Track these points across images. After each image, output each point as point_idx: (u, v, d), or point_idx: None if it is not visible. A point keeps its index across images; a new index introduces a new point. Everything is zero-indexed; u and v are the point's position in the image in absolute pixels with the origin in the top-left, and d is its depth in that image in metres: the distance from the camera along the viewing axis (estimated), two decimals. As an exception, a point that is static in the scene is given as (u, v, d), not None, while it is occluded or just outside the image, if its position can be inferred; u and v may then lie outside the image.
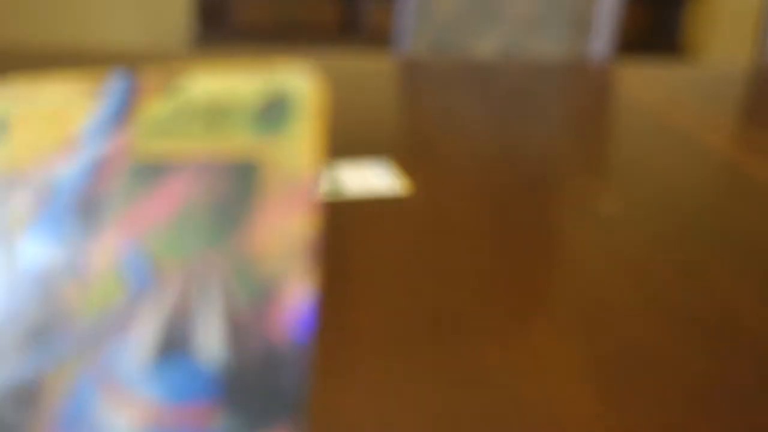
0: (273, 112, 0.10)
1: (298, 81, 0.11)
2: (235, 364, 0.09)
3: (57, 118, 0.11)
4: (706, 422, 0.25)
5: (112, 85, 0.11)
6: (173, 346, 0.09)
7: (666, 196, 0.43)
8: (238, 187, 0.10)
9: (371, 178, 0.43)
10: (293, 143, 0.10)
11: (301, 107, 0.10)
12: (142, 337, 0.10)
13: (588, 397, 0.25)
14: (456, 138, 0.53)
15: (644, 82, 0.69)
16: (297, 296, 0.09)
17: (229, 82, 0.11)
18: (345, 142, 0.50)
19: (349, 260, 0.35)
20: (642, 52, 2.41)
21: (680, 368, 0.27)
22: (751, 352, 0.29)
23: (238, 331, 0.09)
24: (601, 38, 0.95)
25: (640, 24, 2.45)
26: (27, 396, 0.09)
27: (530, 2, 0.97)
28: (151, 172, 0.10)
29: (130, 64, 0.72)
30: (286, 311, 0.09)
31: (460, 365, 0.27)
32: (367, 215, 0.40)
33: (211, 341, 0.09)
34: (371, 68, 0.73)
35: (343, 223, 0.39)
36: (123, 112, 0.11)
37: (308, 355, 0.09)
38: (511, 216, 0.40)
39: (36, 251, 0.10)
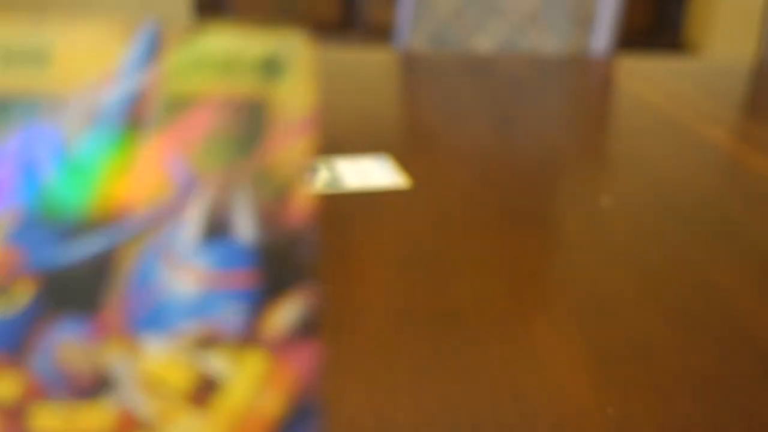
0: (272, 64, 0.14)
1: (292, 41, 0.14)
2: (263, 242, 0.14)
3: (96, 53, 0.13)
4: (703, 414, 0.24)
5: (143, 30, 0.14)
6: (216, 229, 0.13)
7: (666, 189, 0.41)
8: (251, 118, 0.14)
9: (370, 172, 0.41)
10: (290, 87, 0.14)
11: (295, 60, 0.14)
12: (192, 221, 0.13)
13: (586, 389, 0.24)
14: (455, 132, 0.50)
15: (645, 76, 0.66)
16: (302, 195, 0.14)
17: (237, 39, 0.14)
18: (345, 135, 0.47)
19: (348, 254, 0.33)
20: (644, 48, 2.31)
21: (678, 361, 0.26)
22: (749, 344, 0.27)
23: (263, 218, 0.14)
24: (602, 34, 0.92)
25: (642, 21, 2.31)
26: (101, 265, 0.13)
27: None
28: (180, 104, 0.14)
29: None
30: (296, 205, 0.14)
31: (458, 358, 0.26)
32: (366, 208, 0.37)
33: (244, 226, 0.14)
34: (371, 62, 0.68)
35: (343, 216, 0.36)
36: (153, 54, 0.14)
37: (313, 236, 0.14)
38: (511, 209, 0.38)
39: (92, 158, 0.13)
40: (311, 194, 0.14)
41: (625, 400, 0.24)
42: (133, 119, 0.13)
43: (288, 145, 0.14)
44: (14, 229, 0.13)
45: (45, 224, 0.13)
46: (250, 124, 0.14)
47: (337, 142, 0.48)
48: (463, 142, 0.48)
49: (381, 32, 2.39)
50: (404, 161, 0.44)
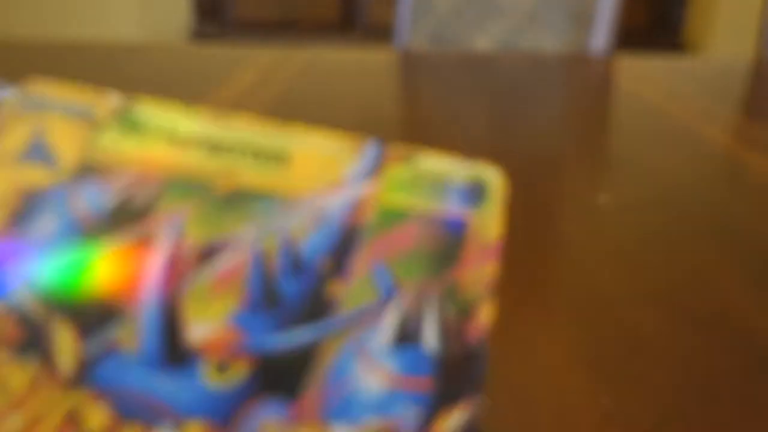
0: (475, 191, 0.16)
1: (492, 172, 0.16)
2: (444, 354, 0.15)
3: (328, 162, 0.15)
4: (700, 409, 0.24)
5: (369, 148, 0.16)
6: (405, 335, 0.15)
7: (663, 188, 0.41)
8: (451, 238, 0.15)
9: None
10: (487, 215, 0.16)
11: (493, 191, 0.16)
12: (387, 327, 0.15)
13: (583, 385, 0.24)
14: (454, 130, 0.51)
15: (643, 75, 0.66)
16: (484, 315, 0.15)
17: (447, 164, 0.16)
18: (344, 133, 0.49)
19: None
20: (644, 48, 2.34)
21: (674, 357, 0.26)
22: (744, 340, 0.28)
23: (447, 331, 0.15)
24: (601, 33, 0.92)
25: (642, 20, 2.35)
26: (307, 356, 0.14)
27: None
28: (392, 216, 0.15)
29: (128, 58, 0.67)
30: (477, 324, 0.15)
31: None
32: None
33: (430, 336, 0.15)
34: (370, 62, 0.69)
35: None
36: (375, 169, 0.16)
37: (487, 353, 0.15)
38: (510, 208, 0.38)
39: (313, 257, 0.15)
40: (490, 314, 0.15)
41: (620, 394, 0.24)
42: (351, 225, 0.15)
43: (477, 267, 0.15)
44: (240, 312, 0.14)
45: (266, 312, 0.14)
46: (449, 243, 0.15)
47: None
48: (461, 141, 0.48)
49: (381, 32, 2.40)
50: None
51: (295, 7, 2.40)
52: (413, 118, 0.53)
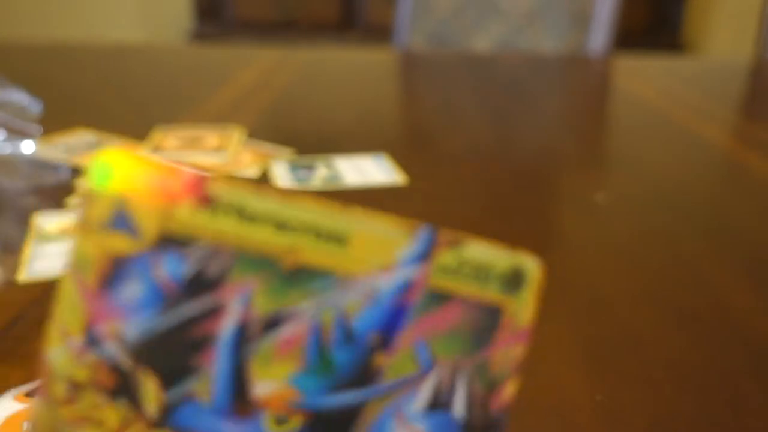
0: (515, 279, 0.17)
1: (531, 261, 0.17)
2: (470, 421, 0.17)
3: (383, 244, 0.17)
4: (694, 407, 0.23)
5: (422, 232, 0.17)
6: (438, 402, 0.17)
7: (662, 188, 0.41)
8: (488, 321, 0.17)
9: (369, 170, 0.41)
10: (523, 301, 0.17)
11: (531, 279, 0.17)
12: (423, 394, 0.17)
13: (578, 380, 0.24)
14: (453, 130, 0.50)
15: (642, 75, 0.66)
16: (508, 391, 0.17)
17: (491, 251, 0.17)
18: (344, 134, 0.49)
19: None
20: (642, 48, 2.25)
21: (669, 354, 0.26)
22: (739, 339, 0.27)
23: (474, 402, 0.17)
24: (600, 33, 0.91)
25: (641, 20, 2.26)
26: (353, 414, 0.17)
27: None
28: (438, 298, 0.17)
29: (129, 58, 0.63)
30: (502, 397, 0.17)
31: None
32: (364, 205, 0.37)
33: (459, 405, 0.17)
34: (370, 62, 0.67)
35: None
36: (426, 253, 0.17)
37: (508, 422, 0.17)
38: (507, 207, 0.38)
39: (364, 332, 0.17)
40: (514, 389, 0.17)
41: (616, 391, 0.24)
42: (400, 305, 0.17)
43: (507, 348, 0.17)
44: (298, 374, 0.17)
45: (320, 376, 0.17)
46: (485, 326, 0.17)
47: (336, 140, 0.48)
48: (460, 141, 0.48)
49: (380, 32, 2.34)
50: (402, 159, 0.44)
51: (294, 7, 2.28)
52: (412, 117, 0.52)
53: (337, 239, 0.17)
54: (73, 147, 0.61)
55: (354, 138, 0.48)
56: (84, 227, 0.16)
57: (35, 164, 0.58)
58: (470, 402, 0.17)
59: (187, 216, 0.16)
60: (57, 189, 0.52)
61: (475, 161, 0.43)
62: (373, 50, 0.73)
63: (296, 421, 0.17)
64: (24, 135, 0.61)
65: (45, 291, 0.37)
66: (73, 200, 0.51)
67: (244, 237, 0.16)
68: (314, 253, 0.17)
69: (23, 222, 0.47)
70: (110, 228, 0.16)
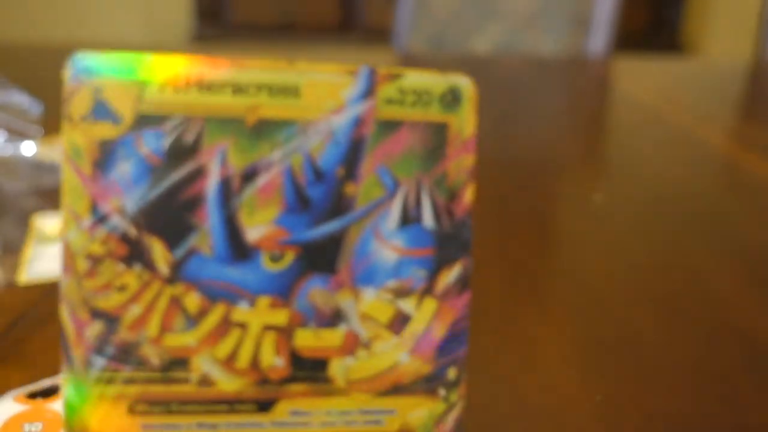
0: (453, 97, 0.20)
1: (465, 81, 0.20)
2: (439, 228, 0.20)
3: (330, 89, 0.19)
4: (691, 406, 0.23)
5: (363, 72, 0.19)
6: (409, 218, 0.20)
7: (660, 188, 0.41)
8: (436, 138, 0.20)
9: None
10: (463, 115, 0.20)
11: (467, 95, 0.20)
12: (394, 213, 0.20)
13: (575, 379, 0.24)
14: None
15: (641, 77, 0.65)
16: (468, 197, 0.20)
17: (427, 78, 0.19)
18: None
19: None
20: (641, 50, 2.22)
21: (665, 353, 0.26)
22: (735, 337, 0.27)
23: (440, 211, 0.20)
24: (599, 35, 0.91)
25: (640, 22, 2.22)
26: (337, 241, 0.19)
27: None
28: (388, 126, 0.19)
29: None
30: (462, 203, 0.20)
31: None
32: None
33: (427, 216, 0.20)
34: (370, 64, 0.66)
35: None
36: (370, 89, 0.19)
37: (471, 223, 0.20)
38: (508, 208, 0.38)
39: (330, 167, 0.19)
40: (472, 194, 0.20)
41: (613, 390, 0.24)
42: (356, 139, 0.19)
43: (459, 159, 0.20)
44: (281, 215, 0.19)
45: (300, 213, 0.19)
46: (436, 142, 0.19)
47: None
48: None
49: (380, 34, 2.31)
50: None
51: (294, 9, 2.24)
52: None
53: (290, 92, 0.19)
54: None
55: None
56: (70, 121, 0.18)
57: (35, 165, 0.59)
58: (436, 212, 0.20)
59: (156, 96, 0.18)
60: (57, 190, 0.52)
61: (475, 162, 0.43)
62: (373, 52, 0.74)
63: (289, 257, 0.19)
64: (24, 136, 0.62)
65: (45, 292, 0.37)
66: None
67: (209, 105, 0.19)
68: (272, 108, 0.19)
69: (23, 223, 0.47)
70: (92, 118, 0.18)
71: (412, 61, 0.68)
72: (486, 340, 0.26)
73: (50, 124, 0.67)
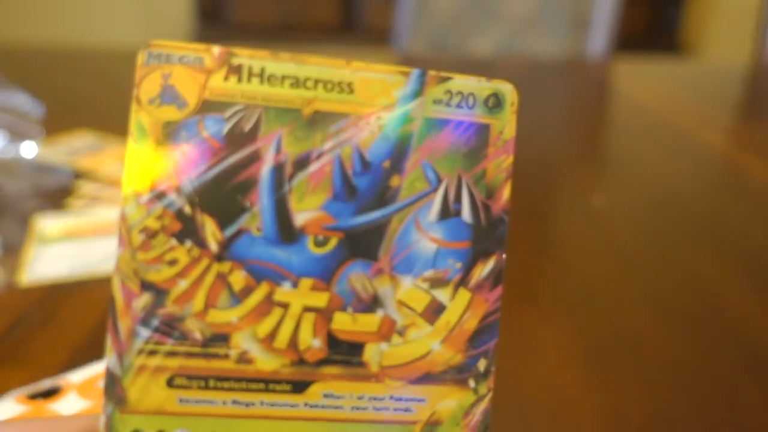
0: (496, 101, 0.21)
1: (508, 86, 0.21)
2: (477, 223, 0.21)
3: (383, 88, 0.20)
4: (690, 406, 0.24)
5: (415, 73, 0.20)
6: (449, 212, 0.21)
7: (660, 190, 0.41)
8: (479, 139, 0.21)
9: None
10: (505, 118, 0.21)
11: (509, 99, 0.21)
12: (435, 207, 0.21)
13: (575, 379, 0.24)
14: None
15: (641, 79, 0.66)
16: (505, 194, 0.21)
17: (473, 82, 0.21)
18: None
19: None
20: (640, 51, 2.25)
21: (664, 352, 0.26)
22: (735, 340, 0.27)
23: (477, 207, 0.21)
24: (599, 37, 0.91)
25: (639, 23, 2.26)
26: (380, 230, 0.20)
27: (528, 0, 0.91)
28: (435, 125, 0.20)
29: (131, 61, 0.64)
30: (499, 200, 0.21)
31: None
32: None
33: (466, 211, 0.21)
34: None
35: None
36: (420, 89, 0.20)
37: (507, 220, 0.21)
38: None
39: (377, 160, 0.20)
40: (509, 192, 0.21)
41: (612, 390, 0.24)
42: (404, 134, 0.20)
43: (498, 159, 0.21)
44: (329, 202, 0.20)
45: (347, 201, 0.20)
46: (478, 142, 0.21)
47: None
48: None
49: (380, 35, 2.35)
50: None
51: (295, 10, 2.30)
52: None
53: (345, 87, 0.20)
54: (74, 149, 0.63)
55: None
56: (138, 103, 0.19)
57: (37, 166, 0.59)
58: (474, 207, 0.21)
59: (220, 84, 0.20)
60: (58, 191, 0.52)
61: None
62: (373, 54, 0.74)
63: (333, 242, 0.20)
64: (26, 137, 0.62)
65: (46, 294, 0.36)
66: (73, 201, 0.51)
67: (268, 95, 0.20)
68: (327, 102, 0.20)
69: (24, 224, 0.47)
70: (159, 101, 0.19)
71: (412, 62, 0.68)
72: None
73: (51, 126, 0.68)
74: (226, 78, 0.20)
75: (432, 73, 0.20)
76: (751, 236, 0.36)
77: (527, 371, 0.25)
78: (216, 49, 0.20)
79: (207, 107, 0.19)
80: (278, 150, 0.20)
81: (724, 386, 0.25)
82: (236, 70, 0.20)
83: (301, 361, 0.20)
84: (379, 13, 2.38)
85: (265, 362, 0.20)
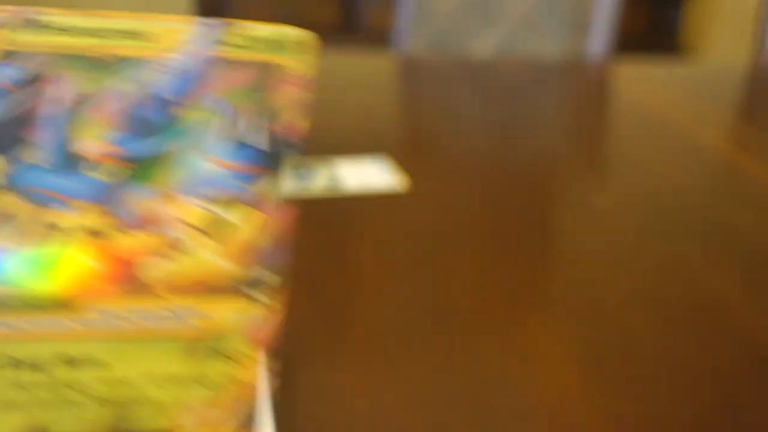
0: (280, 43, 0.22)
1: (300, 32, 0.23)
2: (264, 146, 0.21)
3: (171, 34, 0.22)
4: (690, 407, 0.23)
5: (204, 22, 0.22)
6: (240, 139, 0.21)
7: (659, 191, 0.40)
8: (264, 75, 0.22)
9: (370, 175, 0.40)
10: (290, 58, 0.22)
11: (299, 43, 0.23)
12: (225, 134, 0.21)
13: (576, 383, 0.24)
14: (454, 135, 0.50)
15: (641, 80, 0.65)
16: (290, 120, 0.22)
17: (260, 28, 0.23)
18: (344, 138, 0.48)
19: (348, 254, 0.33)
20: (640, 52, 2.30)
21: (666, 356, 0.26)
22: (734, 341, 0.27)
23: (264, 132, 0.21)
24: (599, 38, 0.92)
25: (639, 25, 2.30)
26: (165, 158, 0.21)
27: (528, 1, 0.93)
28: (223, 62, 0.22)
29: None
30: (284, 125, 0.21)
31: (454, 353, 0.25)
32: (365, 211, 0.37)
33: (255, 137, 0.21)
34: (370, 66, 0.67)
35: (342, 218, 0.36)
36: (210, 35, 0.22)
37: (295, 142, 0.21)
38: (507, 211, 0.37)
39: (165, 94, 0.21)
40: (296, 119, 0.22)
41: (612, 391, 0.24)
42: (195, 74, 0.22)
43: (285, 91, 0.22)
44: (119, 135, 0.21)
45: (135, 131, 0.21)
46: (263, 78, 0.22)
47: (336, 145, 0.47)
48: (461, 145, 0.47)
49: (380, 36, 2.29)
50: (403, 164, 0.44)
51: (295, 11, 2.32)
52: (412, 122, 0.52)
53: (137, 35, 0.22)
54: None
55: (354, 143, 0.47)
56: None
57: None
58: (263, 135, 0.21)
59: (24, 38, 0.22)
60: None
61: (475, 165, 0.43)
62: (373, 55, 0.72)
63: (114, 168, 0.20)
64: None
65: None
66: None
67: (66, 44, 0.22)
68: (120, 47, 0.22)
69: None
70: None
71: (412, 62, 0.67)
72: (487, 342, 0.26)
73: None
74: (29, 33, 0.22)
75: (219, 19, 0.22)
76: (752, 237, 0.35)
77: (527, 372, 0.24)
78: (13, 8, 0.22)
79: (9, 58, 0.21)
80: (64, 86, 0.21)
81: (725, 387, 0.24)
82: (33, 23, 0.22)
83: (80, 282, 0.19)
84: (379, 14, 2.30)
85: (42, 284, 0.19)
